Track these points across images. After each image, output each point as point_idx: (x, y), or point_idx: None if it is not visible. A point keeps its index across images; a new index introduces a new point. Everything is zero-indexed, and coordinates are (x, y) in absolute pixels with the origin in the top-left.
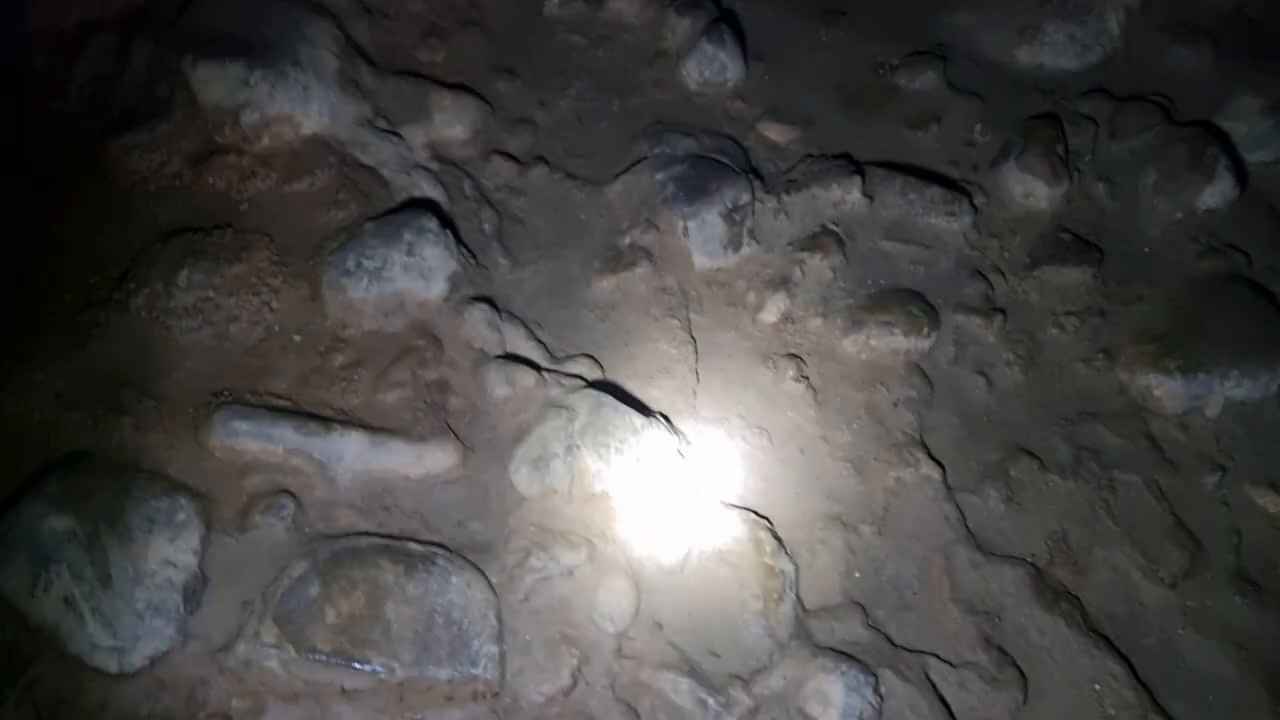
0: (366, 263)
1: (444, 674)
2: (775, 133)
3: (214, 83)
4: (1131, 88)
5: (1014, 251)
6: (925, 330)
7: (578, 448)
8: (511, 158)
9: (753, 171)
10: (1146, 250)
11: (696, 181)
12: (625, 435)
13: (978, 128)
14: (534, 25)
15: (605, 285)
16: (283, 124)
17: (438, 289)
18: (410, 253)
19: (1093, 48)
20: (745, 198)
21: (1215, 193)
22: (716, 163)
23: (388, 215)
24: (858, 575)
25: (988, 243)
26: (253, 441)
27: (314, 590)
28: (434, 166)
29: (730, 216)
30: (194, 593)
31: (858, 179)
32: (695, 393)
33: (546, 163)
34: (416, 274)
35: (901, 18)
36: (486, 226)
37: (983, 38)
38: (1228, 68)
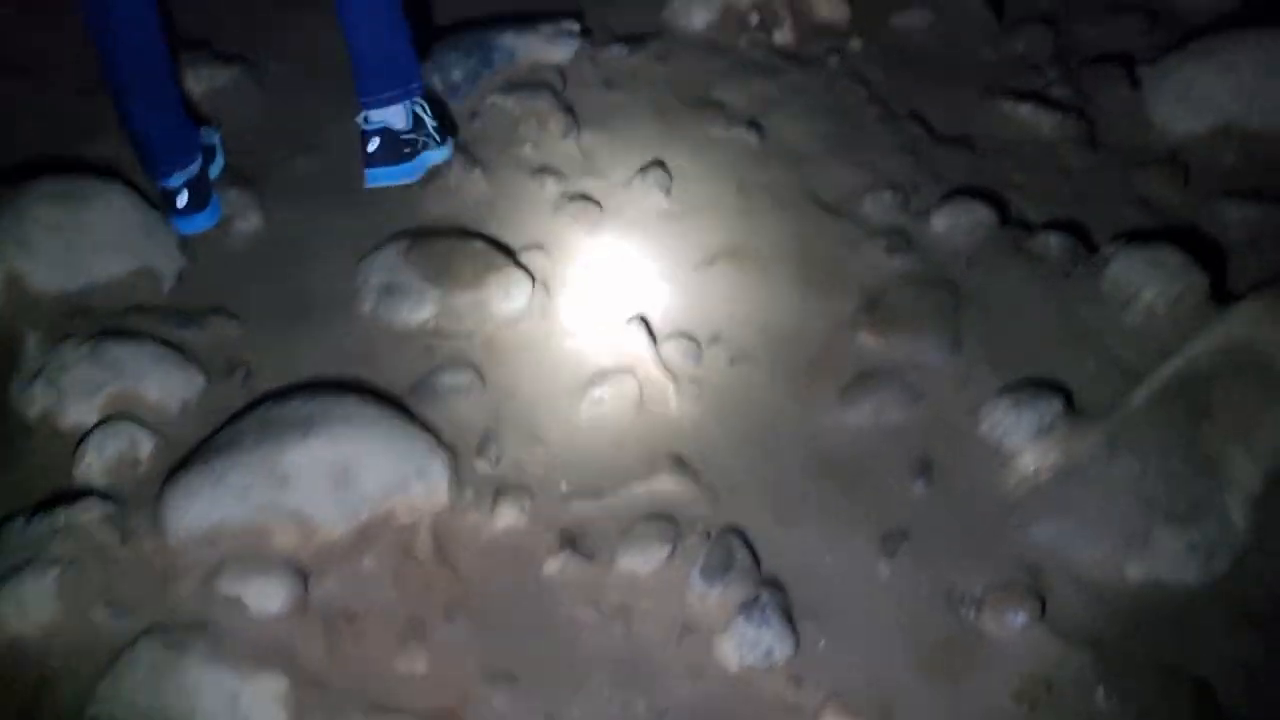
0: None
1: None
2: None
3: None
4: (1274, 609)
5: None
6: None
7: None
8: None
9: None
10: None
11: None
12: None
13: (1099, 691)
14: (532, 598)
15: None
16: None
17: None
18: None
19: (1217, 552)
20: None
21: None
22: None
23: None
24: None
25: None
26: None
27: None
28: None
29: None
30: None
31: None
32: None
33: None
34: None
35: (974, 531)
36: None
37: (1079, 551)
38: None
